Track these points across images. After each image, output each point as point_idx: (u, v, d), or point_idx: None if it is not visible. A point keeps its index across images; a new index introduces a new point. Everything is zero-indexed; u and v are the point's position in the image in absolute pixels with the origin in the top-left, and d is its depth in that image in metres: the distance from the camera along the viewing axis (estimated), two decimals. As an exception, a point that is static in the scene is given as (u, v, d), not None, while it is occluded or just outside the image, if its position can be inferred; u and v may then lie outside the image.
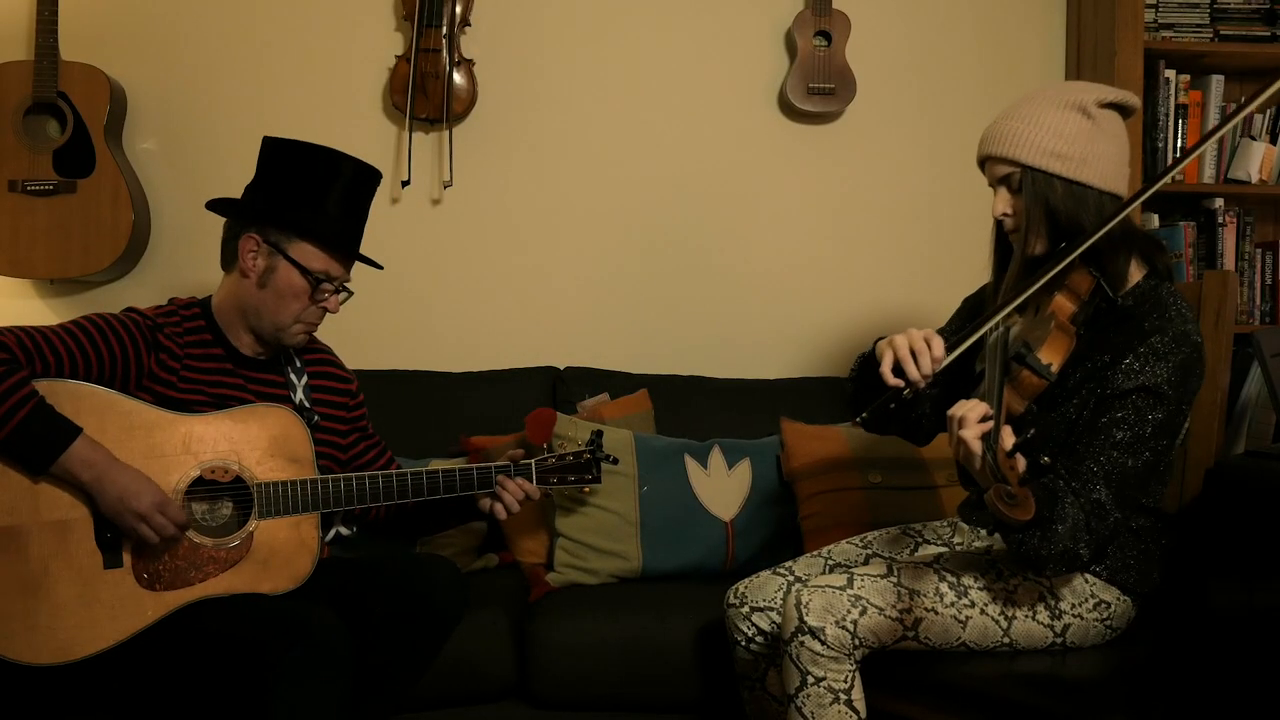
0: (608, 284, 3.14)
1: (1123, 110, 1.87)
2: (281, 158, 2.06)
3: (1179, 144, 3.10)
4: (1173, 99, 3.10)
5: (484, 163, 3.10)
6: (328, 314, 2.10)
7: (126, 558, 1.90)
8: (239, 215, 2.06)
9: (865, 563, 2.04)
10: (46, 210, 2.80)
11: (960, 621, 1.80)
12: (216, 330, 2.07)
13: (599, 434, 2.29)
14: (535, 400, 2.82)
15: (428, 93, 2.93)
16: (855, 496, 2.60)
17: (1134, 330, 1.79)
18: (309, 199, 2.03)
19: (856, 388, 2.00)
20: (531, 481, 2.18)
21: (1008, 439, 1.53)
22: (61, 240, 2.81)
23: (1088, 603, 1.84)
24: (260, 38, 3.04)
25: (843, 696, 1.76)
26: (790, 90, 3.08)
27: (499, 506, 2.17)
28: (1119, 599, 1.86)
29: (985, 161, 1.89)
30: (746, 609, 2.00)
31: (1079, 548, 1.70)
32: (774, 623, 1.97)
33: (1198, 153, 1.93)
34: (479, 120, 3.07)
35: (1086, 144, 1.80)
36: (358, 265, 2.12)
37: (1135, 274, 1.87)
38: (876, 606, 1.77)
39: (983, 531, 2.05)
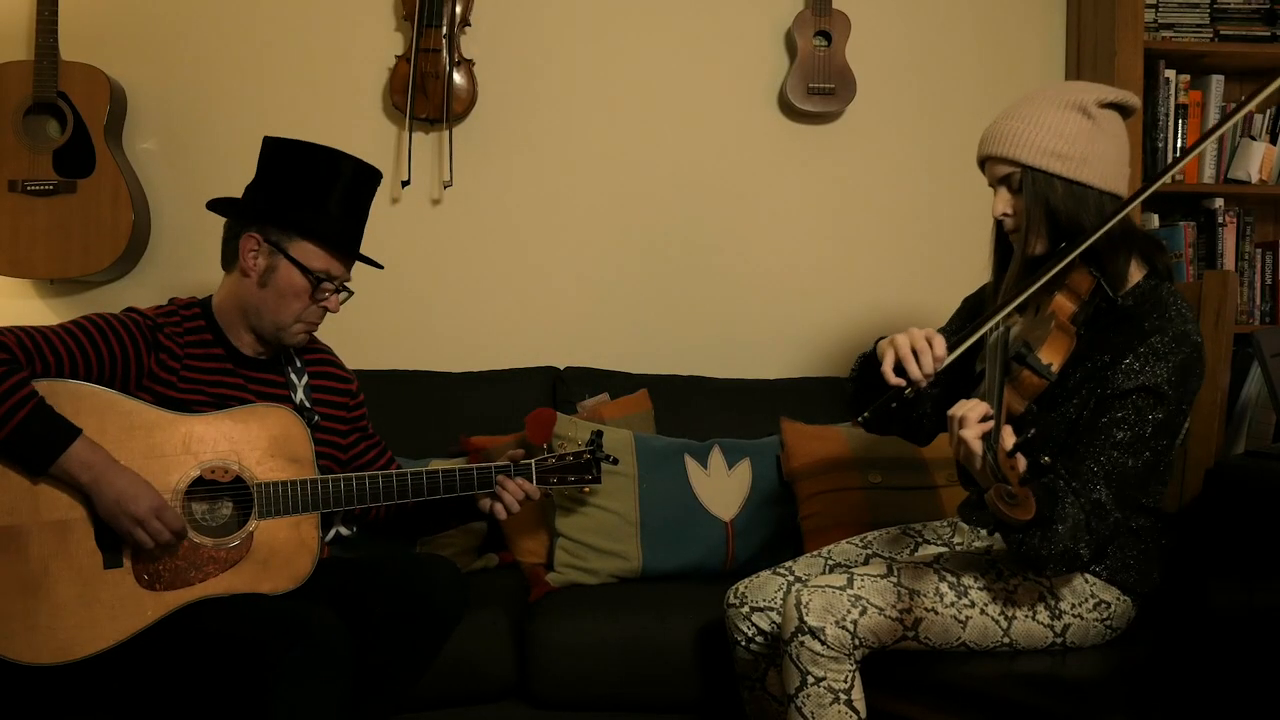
0: (608, 284, 3.14)
1: (1123, 110, 1.87)
2: (282, 157, 2.06)
3: (1179, 144, 3.10)
4: (1173, 99, 3.10)
5: (484, 163, 3.10)
6: (328, 314, 2.10)
7: (126, 558, 1.90)
8: (240, 215, 2.06)
9: (865, 563, 2.04)
10: (46, 210, 2.80)
11: (960, 621, 1.80)
12: (217, 330, 2.07)
13: (599, 434, 2.29)
14: (535, 400, 2.82)
15: (428, 93, 2.93)
16: (855, 496, 2.60)
17: (1134, 330, 1.79)
18: (310, 198, 2.03)
19: (857, 388, 2.00)
20: (531, 481, 2.18)
21: (1008, 439, 1.53)
22: (61, 240, 2.81)
23: (1088, 603, 1.84)
24: (260, 38, 3.04)
25: (843, 696, 1.76)
26: (790, 90, 3.08)
27: (499, 506, 2.17)
28: (1119, 599, 1.86)
29: (985, 161, 1.89)
30: (746, 609, 2.00)
31: (1079, 548, 1.70)
32: (774, 623, 1.97)
33: (1197, 151, 1.93)
34: (479, 120, 3.07)
35: (1087, 144, 1.80)
36: (358, 265, 2.12)
37: (1135, 274, 1.87)
38: (876, 606, 1.77)
39: (983, 531, 2.05)
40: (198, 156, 3.02)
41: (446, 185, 3.08)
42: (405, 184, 3.02)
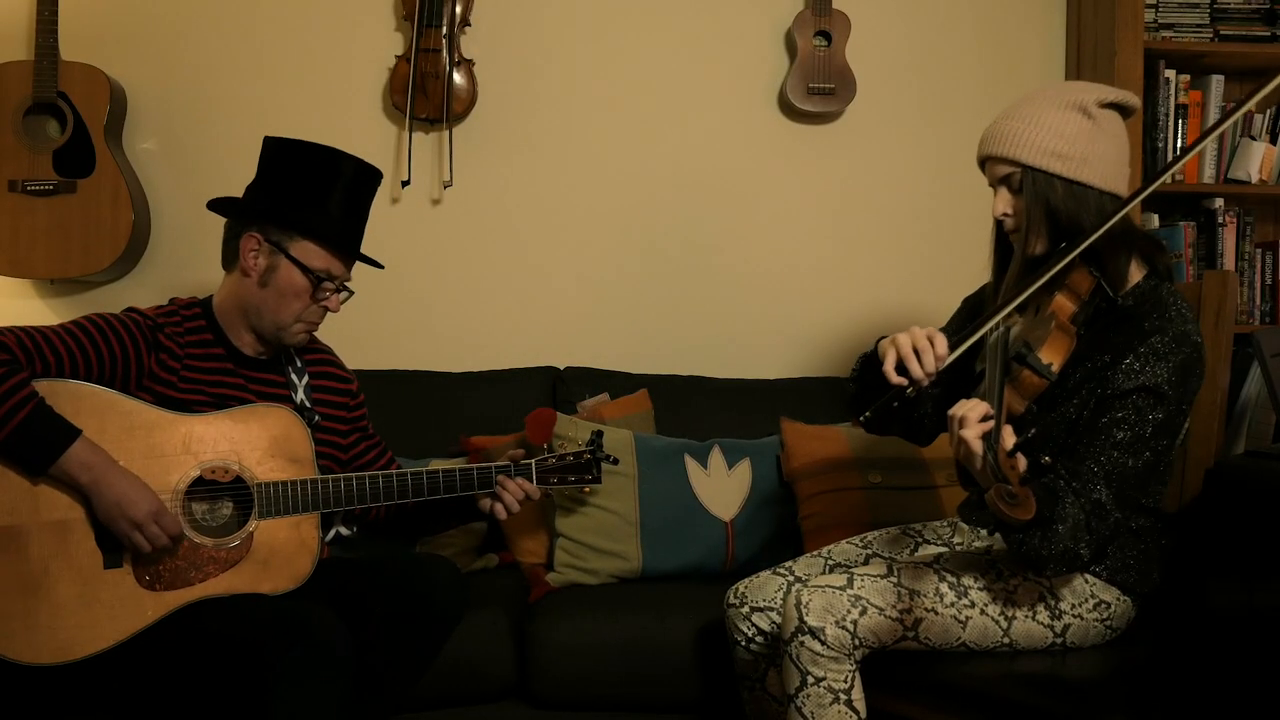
0: (608, 284, 3.15)
1: (1123, 110, 1.87)
2: (283, 157, 2.06)
3: (1179, 144, 3.10)
4: (1173, 99, 3.10)
5: (484, 163, 3.10)
6: (328, 313, 2.10)
7: (126, 558, 1.90)
8: (240, 214, 2.06)
9: (865, 563, 2.04)
10: (46, 210, 2.80)
11: (960, 621, 1.80)
12: (217, 330, 2.07)
13: (599, 434, 2.29)
14: (535, 400, 2.82)
15: (428, 93, 2.93)
16: (855, 496, 2.60)
17: (1134, 330, 1.79)
18: (311, 198, 2.03)
19: (858, 388, 2.00)
20: (532, 481, 2.18)
21: (1008, 439, 1.53)
22: (61, 240, 2.81)
23: (1088, 603, 1.84)
24: (260, 38, 3.04)
25: (843, 696, 1.76)
26: (790, 90, 3.08)
27: (499, 507, 2.17)
28: (1119, 599, 1.86)
29: (985, 161, 1.89)
30: (746, 609, 2.00)
31: (1079, 548, 1.70)
32: (774, 623, 1.97)
33: (1197, 150, 1.93)
34: (479, 120, 3.07)
35: (1087, 144, 1.80)
36: (358, 265, 2.12)
37: (1135, 274, 1.87)
38: (876, 606, 1.77)
39: (983, 531, 2.05)
40: (198, 156, 3.02)
41: (446, 185, 3.08)
42: (405, 184, 3.02)
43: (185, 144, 3.03)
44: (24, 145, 2.80)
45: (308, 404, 2.13)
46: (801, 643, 1.75)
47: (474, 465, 2.16)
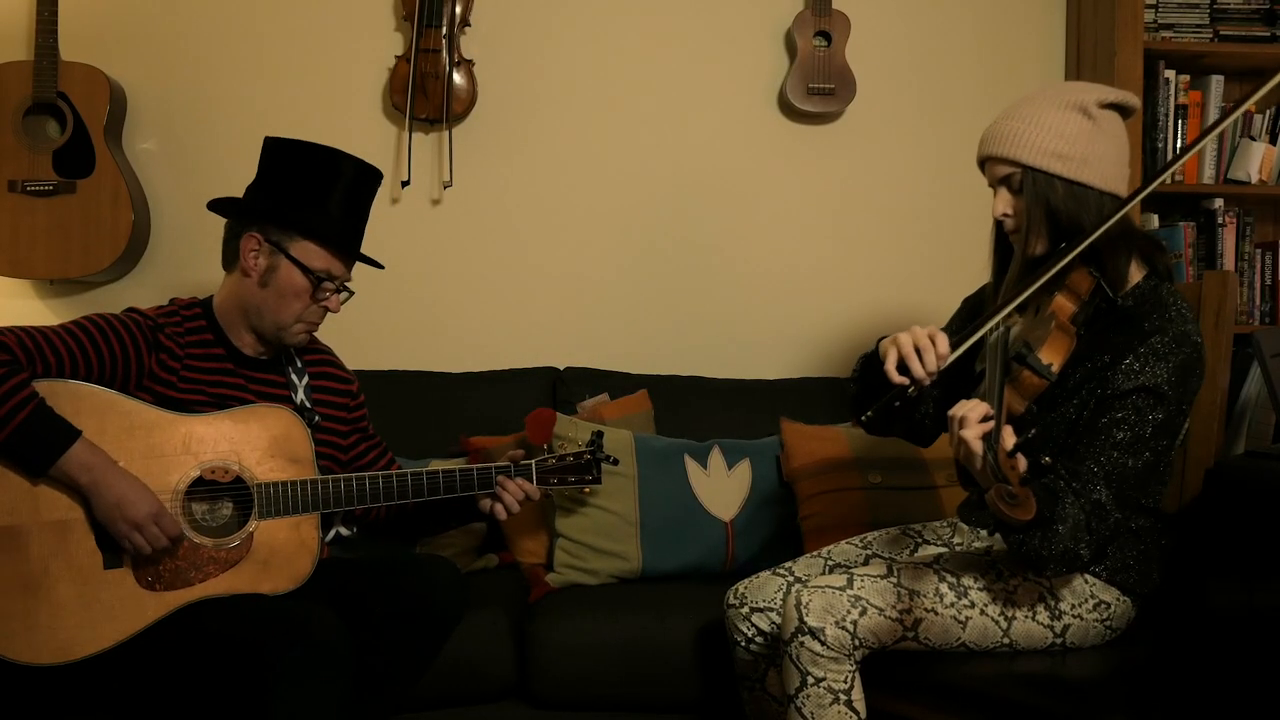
0: (608, 284, 3.14)
1: (1123, 110, 1.87)
2: (283, 157, 2.06)
3: (1179, 144, 3.10)
4: (1172, 99, 3.10)
5: (484, 163, 3.10)
6: (329, 314, 2.10)
7: (127, 558, 1.90)
8: (240, 215, 2.06)
9: (865, 563, 2.04)
10: (46, 210, 2.80)
11: (960, 622, 1.80)
12: (218, 330, 2.07)
13: (599, 434, 2.29)
14: (535, 400, 2.82)
15: (428, 93, 2.93)
16: (855, 497, 2.60)
17: (1134, 330, 1.79)
18: (311, 198, 2.03)
19: (859, 388, 1.99)
20: (532, 482, 2.18)
21: (1009, 439, 1.53)
22: (61, 240, 2.81)
23: (1087, 603, 1.84)
24: (260, 38, 3.04)
25: (843, 697, 1.76)
26: (790, 90, 3.08)
27: (499, 507, 2.17)
28: (1119, 599, 1.86)
29: (985, 162, 1.89)
30: (746, 609, 2.00)
31: (1079, 548, 1.70)
32: (774, 623, 1.97)
33: (1196, 149, 1.94)
34: (479, 120, 3.07)
35: (1087, 144, 1.80)
36: (358, 265, 2.12)
37: (1135, 274, 1.87)
38: (876, 607, 1.77)
39: (983, 532, 2.05)
40: (198, 156, 3.02)
41: (446, 185, 3.08)
42: (405, 184, 3.02)
43: (185, 144, 3.03)
44: (24, 145, 2.80)
45: (308, 404, 2.13)
46: (801, 643, 1.75)
47: (474, 466, 2.16)
